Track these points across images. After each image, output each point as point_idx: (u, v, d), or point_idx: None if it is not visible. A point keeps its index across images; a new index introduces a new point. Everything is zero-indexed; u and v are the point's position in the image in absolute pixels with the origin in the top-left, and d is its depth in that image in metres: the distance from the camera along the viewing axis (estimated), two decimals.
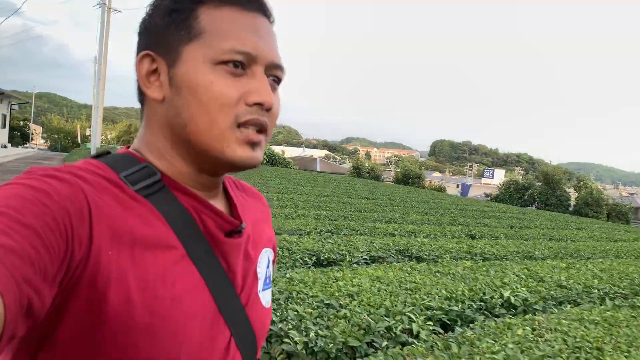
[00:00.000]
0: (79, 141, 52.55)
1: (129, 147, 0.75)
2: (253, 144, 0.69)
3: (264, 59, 0.70)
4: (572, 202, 34.00)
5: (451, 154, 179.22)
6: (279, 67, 0.72)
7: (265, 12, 0.73)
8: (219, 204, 0.77)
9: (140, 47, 0.72)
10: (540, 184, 35.36)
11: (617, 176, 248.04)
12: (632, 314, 4.32)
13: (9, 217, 0.51)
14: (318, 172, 43.68)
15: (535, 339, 3.28)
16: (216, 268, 0.71)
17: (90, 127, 34.80)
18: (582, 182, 35.28)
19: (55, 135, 61.01)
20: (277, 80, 0.74)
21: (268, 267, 0.85)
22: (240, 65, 0.68)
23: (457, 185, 72.06)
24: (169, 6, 0.70)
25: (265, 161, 42.19)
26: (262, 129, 0.70)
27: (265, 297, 0.82)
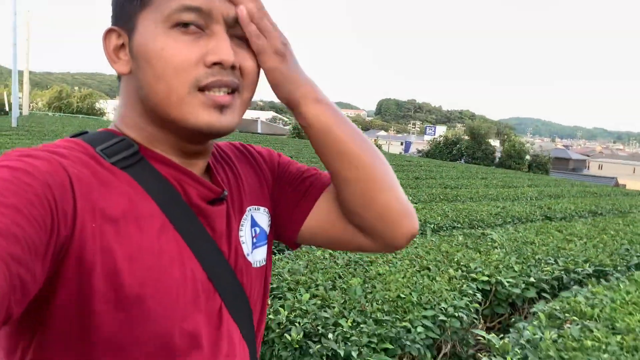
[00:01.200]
0: (7, 109, 50.14)
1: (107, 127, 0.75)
2: (221, 107, 0.66)
3: (222, 15, 0.66)
4: (498, 155, 35.84)
5: (397, 113, 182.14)
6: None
7: None
8: (202, 172, 0.76)
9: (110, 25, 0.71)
10: (467, 138, 36.94)
11: (555, 130, 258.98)
12: None
13: None
14: (260, 133, 43.84)
15: None
16: (202, 235, 0.70)
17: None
18: (506, 136, 37.12)
19: None
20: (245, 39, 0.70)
21: (254, 226, 0.82)
22: (196, 25, 0.65)
23: (401, 143, 73.96)
24: None
25: None
26: (233, 90, 0.67)
27: (256, 257, 0.81)
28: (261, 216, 0.84)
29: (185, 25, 0.64)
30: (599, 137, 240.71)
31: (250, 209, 0.82)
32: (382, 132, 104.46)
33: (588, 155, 79.44)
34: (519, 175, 22.99)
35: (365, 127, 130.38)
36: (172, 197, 0.68)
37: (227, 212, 0.76)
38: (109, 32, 0.70)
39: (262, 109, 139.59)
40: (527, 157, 34.95)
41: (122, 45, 0.69)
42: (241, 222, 0.80)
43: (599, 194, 15.20)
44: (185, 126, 0.66)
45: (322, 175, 0.88)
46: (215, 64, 0.65)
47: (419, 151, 41.37)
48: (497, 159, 35.44)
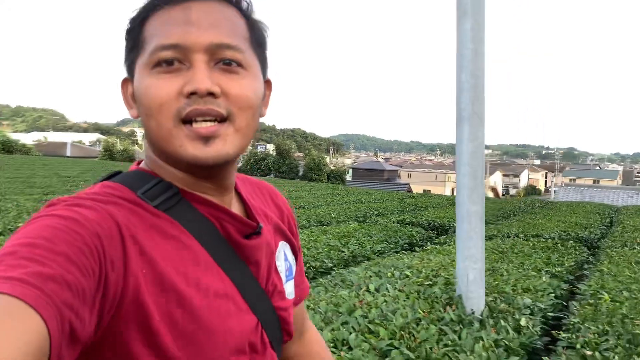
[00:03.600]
0: None
1: (139, 162, 0.77)
2: (205, 138, 0.67)
3: (200, 44, 0.67)
4: (301, 169, 38.99)
5: None
6: (226, 46, 0.68)
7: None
8: (234, 207, 0.79)
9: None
10: (274, 154, 39.64)
11: (378, 144, 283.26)
12: None
13: (42, 247, 0.53)
14: (69, 157, 42.01)
15: None
16: (242, 269, 0.74)
17: None
18: (306, 150, 40.54)
19: None
20: (231, 62, 0.69)
21: (286, 259, 0.87)
22: (178, 61, 0.67)
23: None
24: (127, 30, 0.72)
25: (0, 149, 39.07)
26: (217, 118, 0.68)
27: (288, 289, 0.85)
28: (289, 251, 0.90)
29: (167, 63, 0.67)
30: (415, 150, 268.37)
31: (281, 244, 0.87)
32: None
33: (400, 166, 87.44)
34: (316, 185, 25.48)
35: None
36: (213, 234, 0.71)
37: (264, 244, 0.79)
38: (124, 82, 0.74)
39: (85, 130, 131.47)
40: (327, 169, 38.51)
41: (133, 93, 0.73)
42: (277, 253, 0.84)
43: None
44: (179, 159, 0.69)
45: (306, 286, 0.99)
46: (192, 93, 0.66)
47: None
48: (301, 172, 38.46)
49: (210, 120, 0.68)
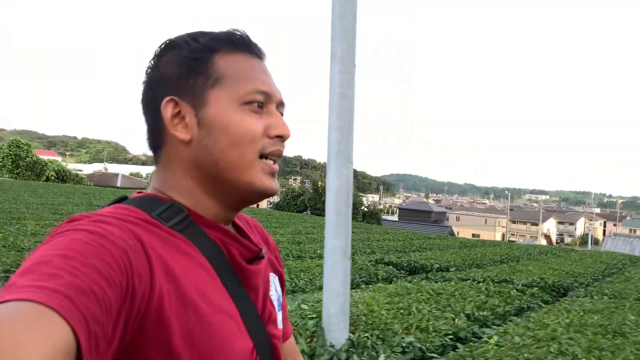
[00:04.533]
0: None
1: (140, 192, 0.79)
2: (273, 174, 0.78)
3: (276, 98, 0.80)
4: None
5: (284, 169, 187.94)
6: (283, 103, 0.82)
7: (264, 57, 0.83)
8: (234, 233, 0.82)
9: (158, 94, 0.77)
10: (311, 191, 40.01)
11: (430, 185, 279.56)
12: None
13: (74, 259, 0.54)
14: (120, 187, 44.00)
15: None
16: (242, 293, 0.76)
17: None
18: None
19: None
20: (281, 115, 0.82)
21: (276, 290, 0.91)
22: (260, 104, 0.77)
23: None
24: (188, 55, 0.76)
25: (54, 177, 41.51)
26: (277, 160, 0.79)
27: (278, 319, 0.89)
28: (278, 284, 0.94)
29: (258, 104, 0.77)
30: (469, 192, 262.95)
31: (272, 275, 0.91)
32: None
33: (450, 208, 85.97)
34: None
35: None
36: (220, 257, 0.75)
37: (262, 271, 0.82)
38: (169, 101, 0.76)
39: (143, 163, 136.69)
40: (363, 208, 38.46)
41: (178, 114, 0.76)
42: (270, 282, 0.88)
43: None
44: (252, 188, 0.76)
45: (290, 326, 1.02)
46: (277, 136, 0.78)
47: (270, 203, 43.80)
48: None
49: (275, 159, 0.79)
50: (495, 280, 7.87)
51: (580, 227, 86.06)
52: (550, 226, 79.16)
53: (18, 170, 40.96)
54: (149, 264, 0.63)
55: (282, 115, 0.82)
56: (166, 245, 0.68)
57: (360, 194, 41.65)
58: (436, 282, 7.44)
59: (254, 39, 0.82)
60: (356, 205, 37.75)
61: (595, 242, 63.76)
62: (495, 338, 4.18)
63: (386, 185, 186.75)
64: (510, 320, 5.31)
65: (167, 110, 0.76)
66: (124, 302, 0.57)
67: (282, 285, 0.97)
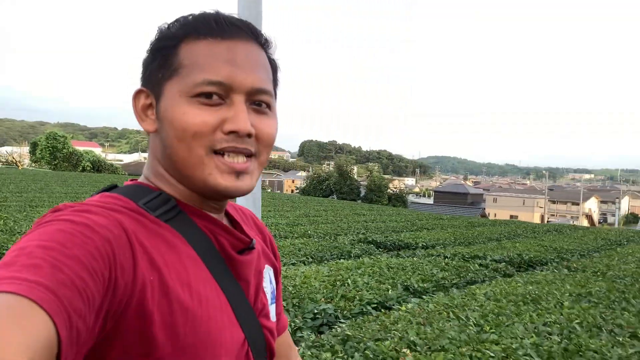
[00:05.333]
0: None
1: (134, 180, 0.78)
2: (238, 173, 0.72)
3: (242, 87, 0.71)
4: (363, 190, 39.25)
5: (318, 154, 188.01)
6: (263, 91, 0.74)
7: (248, 37, 0.74)
8: (226, 223, 0.80)
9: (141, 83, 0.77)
10: (336, 175, 40.20)
11: (469, 167, 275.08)
12: None
13: (56, 250, 0.53)
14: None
15: None
16: (232, 284, 0.74)
17: None
18: (370, 172, 40.66)
19: None
20: (264, 104, 0.74)
21: (271, 283, 0.89)
22: (218, 95, 0.70)
23: None
24: (155, 45, 0.74)
25: (89, 168, 43.14)
26: (249, 156, 0.73)
27: (272, 312, 0.86)
28: (272, 276, 0.91)
29: (207, 95, 0.70)
30: (510, 173, 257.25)
31: (266, 267, 0.88)
32: (302, 173, 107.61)
33: (487, 190, 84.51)
34: (370, 206, 25.78)
35: (287, 168, 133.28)
36: (209, 247, 0.73)
37: (254, 262, 0.80)
38: (139, 92, 0.76)
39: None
40: (388, 190, 38.46)
41: (150, 105, 0.75)
42: (263, 274, 0.85)
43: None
44: (205, 186, 0.72)
45: (285, 319, 1.00)
46: (231, 132, 0.70)
47: (297, 188, 44.34)
48: (362, 193, 38.72)
49: (238, 156, 0.72)
50: (467, 256, 8.01)
51: (624, 206, 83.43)
52: (592, 205, 76.99)
53: (56, 162, 42.77)
54: (132, 255, 0.62)
55: (265, 104, 0.75)
56: (151, 236, 0.67)
57: (394, 177, 41.41)
58: (402, 257, 7.64)
59: (233, 19, 0.74)
60: (381, 188, 37.85)
61: (635, 220, 61.73)
62: (410, 305, 4.41)
63: (423, 168, 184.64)
64: (449, 292, 5.51)
65: (137, 101, 0.76)
66: (106, 294, 0.56)
67: (278, 278, 0.95)
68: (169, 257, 0.67)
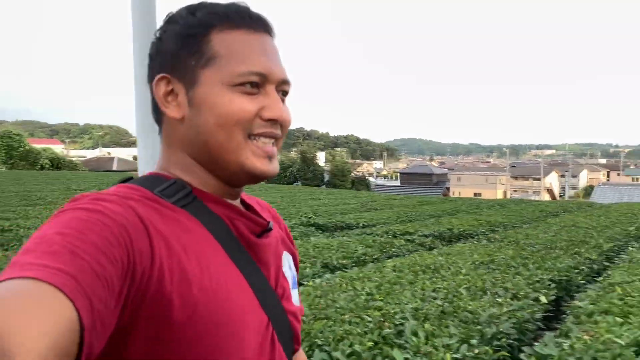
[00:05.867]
0: None
1: (151, 173, 0.79)
2: (270, 157, 0.77)
3: (275, 78, 0.76)
4: (327, 175, 39.56)
5: (286, 141, 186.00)
6: (287, 82, 0.80)
7: (269, 31, 0.79)
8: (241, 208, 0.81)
9: (154, 70, 0.78)
10: (299, 162, 40.35)
11: (435, 148, 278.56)
12: None
13: (73, 237, 0.54)
14: (114, 171, 44.69)
15: None
16: (252, 267, 0.76)
17: None
18: (332, 156, 41.00)
19: None
20: (285, 93, 0.81)
21: (290, 268, 0.90)
22: (255, 85, 0.75)
23: None
24: (183, 32, 0.76)
25: (48, 165, 42.20)
26: (275, 142, 0.78)
27: (294, 297, 0.87)
28: (292, 262, 0.93)
29: (250, 85, 0.74)
30: (474, 152, 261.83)
31: (285, 254, 0.90)
32: None
33: (452, 169, 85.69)
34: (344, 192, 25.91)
35: None
36: (227, 232, 0.75)
37: (273, 246, 0.83)
38: (160, 79, 0.77)
39: None
40: (352, 175, 38.89)
41: (171, 92, 0.76)
42: (282, 259, 0.87)
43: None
44: (242, 169, 0.75)
45: (301, 307, 0.96)
46: (269, 119, 0.76)
47: None
48: (326, 179, 39.01)
49: (269, 141, 0.77)
50: (398, 233, 8.36)
51: (583, 179, 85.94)
52: (553, 180, 79.02)
53: (12, 161, 41.72)
54: (149, 240, 0.63)
55: (286, 93, 0.81)
56: (167, 221, 0.68)
57: (362, 161, 41.83)
58: (334, 237, 7.94)
59: (260, 12, 0.79)
60: (344, 172, 38.24)
61: (590, 193, 64.00)
62: (318, 281, 4.67)
63: (390, 150, 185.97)
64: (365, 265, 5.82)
65: (159, 88, 0.77)
66: (125, 279, 0.57)
67: (296, 265, 0.96)
68: (186, 241, 0.68)
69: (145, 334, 0.61)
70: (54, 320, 0.45)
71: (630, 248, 7.08)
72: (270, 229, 0.82)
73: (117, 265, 0.56)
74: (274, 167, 0.78)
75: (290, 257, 0.93)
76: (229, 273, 0.71)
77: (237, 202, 0.82)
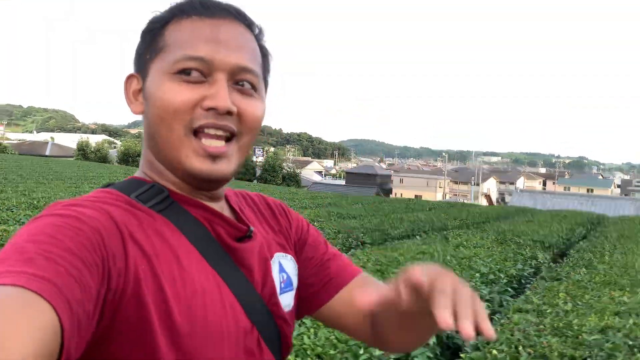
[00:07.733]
0: None
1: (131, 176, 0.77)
2: (214, 157, 0.70)
3: (224, 65, 0.70)
4: (259, 170, 39.52)
5: None
6: (246, 70, 0.72)
7: (234, 17, 0.74)
8: (225, 213, 0.78)
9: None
10: None
11: (387, 150, 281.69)
12: None
13: (47, 243, 0.54)
14: (47, 156, 43.48)
15: None
16: (234, 272, 0.73)
17: None
18: (265, 151, 41.14)
19: None
20: (250, 84, 0.73)
21: (283, 271, 0.84)
22: (200, 72, 0.70)
23: None
24: (145, 29, 0.75)
25: None
26: (230, 136, 0.72)
27: (284, 301, 0.82)
28: (288, 263, 0.86)
29: (187, 73, 0.69)
30: (424, 156, 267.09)
31: (277, 255, 0.84)
32: None
33: (397, 171, 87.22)
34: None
35: None
36: (204, 236, 0.72)
37: (256, 250, 0.78)
38: (130, 77, 0.77)
39: (93, 132, 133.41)
40: (283, 170, 39.22)
41: (140, 90, 0.75)
42: (272, 263, 0.82)
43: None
44: (182, 168, 0.71)
45: (347, 265, 0.91)
46: (210, 108, 0.69)
47: None
48: (258, 173, 39.15)
49: (219, 138, 0.71)
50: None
51: (520, 187, 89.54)
52: (491, 186, 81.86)
53: None
54: (123, 244, 0.62)
55: (250, 84, 0.74)
56: (143, 227, 0.67)
57: (313, 159, 42.19)
58: None
59: (220, 2, 0.75)
60: (275, 168, 38.67)
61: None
62: None
63: (342, 150, 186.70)
64: None
65: (128, 85, 0.77)
66: (101, 283, 0.57)
67: (312, 257, 0.90)
68: (160, 248, 0.67)
69: (125, 337, 0.61)
70: (39, 326, 0.45)
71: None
72: (250, 236, 0.78)
73: (93, 270, 0.56)
74: (217, 168, 0.72)
75: (288, 258, 0.87)
76: (206, 278, 0.70)
77: (217, 204, 0.79)
